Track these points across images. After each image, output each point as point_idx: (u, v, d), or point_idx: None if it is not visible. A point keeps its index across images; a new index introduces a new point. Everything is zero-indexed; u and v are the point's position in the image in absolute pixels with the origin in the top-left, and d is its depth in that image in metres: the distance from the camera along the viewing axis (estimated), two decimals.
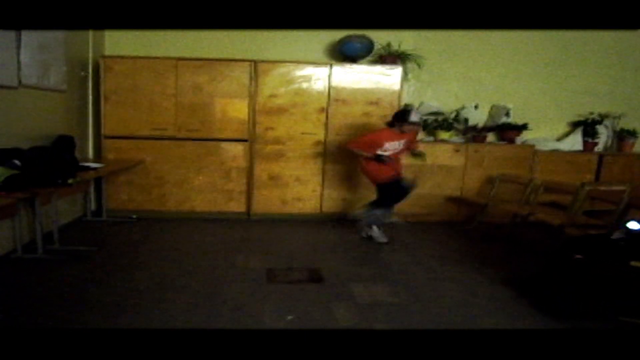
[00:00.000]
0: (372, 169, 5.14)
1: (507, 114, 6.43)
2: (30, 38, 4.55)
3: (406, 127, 4.98)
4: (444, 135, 6.30)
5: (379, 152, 4.99)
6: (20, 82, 4.42)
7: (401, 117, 4.99)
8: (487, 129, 6.42)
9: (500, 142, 6.43)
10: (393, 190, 5.15)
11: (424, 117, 6.26)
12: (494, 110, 6.55)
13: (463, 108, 6.46)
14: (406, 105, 5.82)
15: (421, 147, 5.38)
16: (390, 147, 5.03)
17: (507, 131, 6.36)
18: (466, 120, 6.41)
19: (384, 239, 5.23)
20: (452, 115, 6.41)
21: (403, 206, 6.08)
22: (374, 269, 4.47)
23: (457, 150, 6.19)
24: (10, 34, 4.28)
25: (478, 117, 6.49)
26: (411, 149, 5.22)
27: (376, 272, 4.37)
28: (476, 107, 6.50)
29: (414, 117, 4.98)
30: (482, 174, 6.25)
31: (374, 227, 5.28)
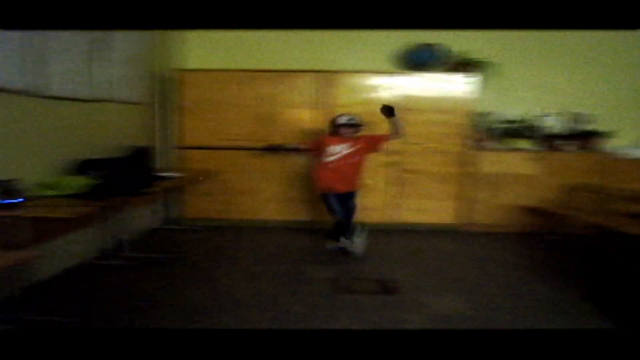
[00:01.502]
0: (313, 175, 5.16)
1: (588, 121, 6.17)
2: (118, 53, 4.75)
3: (342, 131, 4.91)
4: (520, 143, 6.11)
5: (327, 158, 4.91)
6: (103, 95, 4.61)
7: (332, 121, 5.01)
8: (566, 136, 6.17)
9: (580, 150, 6.18)
10: (327, 203, 4.99)
11: (501, 125, 6.11)
12: (574, 117, 6.29)
13: (540, 115, 6.24)
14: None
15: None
16: (334, 150, 4.89)
17: (588, 139, 6.09)
18: (544, 128, 6.19)
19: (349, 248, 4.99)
20: (529, 123, 6.20)
21: (476, 215, 5.98)
22: (446, 279, 4.33)
23: (534, 159, 5.99)
24: (101, 51, 4.48)
25: (556, 125, 6.26)
26: (376, 148, 5.06)
27: (449, 283, 4.24)
28: (555, 114, 6.27)
29: (339, 120, 4.94)
30: (560, 183, 5.99)
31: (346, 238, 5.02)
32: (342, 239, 4.99)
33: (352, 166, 4.93)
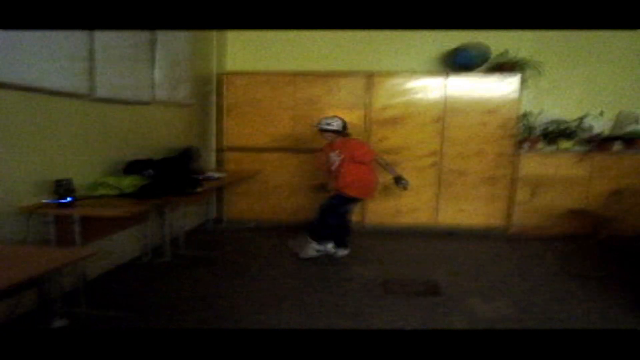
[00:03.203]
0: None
1: (637, 121, 6.02)
2: (163, 56, 4.87)
3: (326, 135, 4.81)
4: (566, 144, 5.99)
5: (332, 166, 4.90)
6: (154, 97, 4.73)
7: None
8: (613, 137, 6.03)
9: (628, 152, 6.02)
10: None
11: (545, 126, 6.03)
12: (621, 117, 6.15)
13: (586, 115, 6.11)
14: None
15: (399, 170, 5.04)
16: (332, 159, 4.87)
17: (636, 140, 5.95)
18: (590, 128, 6.06)
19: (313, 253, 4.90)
20: (575, 123, 6.08)
21: (521, 217, 5.91)
22: (491, 282, 4.28)
23: (580, 160, 5.88)
24: (146, 54, 4.60)
25: (603, 125, 6.13)
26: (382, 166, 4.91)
27: (494, 285, 4.19)
28: (601, 114, 6.14)
29: (320, 125, 4.81)
30: (608, 186, 5.87)
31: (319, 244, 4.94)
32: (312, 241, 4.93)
33: (345, 173, 4.80)
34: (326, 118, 4.84)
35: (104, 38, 3.90)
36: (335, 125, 4.77)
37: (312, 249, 4.88)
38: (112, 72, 4.03)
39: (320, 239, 4.88)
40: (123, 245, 4.47)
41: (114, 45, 4.04)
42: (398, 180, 4.86)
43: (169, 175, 4.26)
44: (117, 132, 4.28)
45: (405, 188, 4.92)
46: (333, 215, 4.82)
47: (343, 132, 4.81)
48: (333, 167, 4.89)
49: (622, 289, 4.11)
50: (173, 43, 5.14)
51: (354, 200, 4.94)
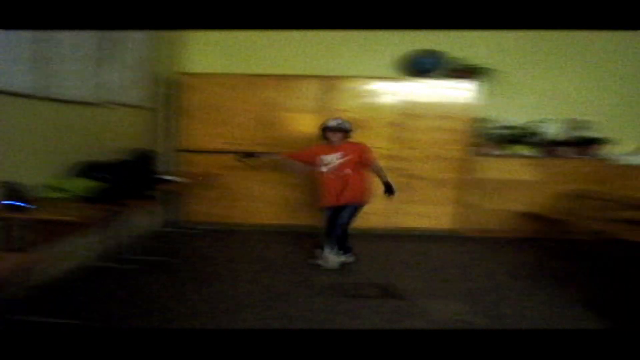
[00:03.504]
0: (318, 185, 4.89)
1: (587, 128, 6.21)
2: (120, 57, 4.79)
3: (329, 135, 4.66)
4: (519, 149, 6.15)
5: (322, 168, 4.72)
6: (107, 99, 4.65)
7: (321, 127, 4.75)
8: (565, 143, 6.22)
9: (580, 157, 6.21)
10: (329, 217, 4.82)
11: (501, 131, 6.17)
12: (573, 124, 6.34)
13: (540, 121, 6.28)
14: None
15: (389, 177, 4.81)
16: (327, 160, 4.70)
17: (587, 145, 6.13)
18: (543, 133, 6.23)
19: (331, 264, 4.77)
20: (529, 129, 6.24)
21: (475, 220, 6.03)
22: (447, 285, 4.36)
23: (534, 165, 6.03)
24: (103, 54, 4.52)
25: (556, 131, 6.31)
26: (369, 168, 4.74)
27: (451, 288, 4.26)
28: (554, 120, 6.31)
29: (329, 123, 4.69)
30: (560, 190, 6.03)
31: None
32: (317, 250, 4.90)
33: (344, 178, 4.67)
34: (337, 118, 4.76)
35: (64, 37, 3.82)
36: (349, 126, 4.72)
37: (335, 260, 4.78)
38: (66, 72, 3.95)
39: (344, 249, 4.84)
40: (79, 250, 4.36)
41: (70, 45, 3.97)
42: (389, 187, 4.73)
43: (126, 178, 4.18)
44: (71, 134, 4.19)
45: (392, 195, 4.77)
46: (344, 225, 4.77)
47: (349, 134, 4.74)
48: (324, 169, 4.71)
49: (575, 289, 4.26)
50: (131, 44, 5.07)
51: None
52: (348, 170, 4.65)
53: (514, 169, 6.02)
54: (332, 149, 4.69)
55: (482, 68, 6.04)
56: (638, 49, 6.35)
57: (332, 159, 4.68)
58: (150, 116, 5.69)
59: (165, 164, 6.09)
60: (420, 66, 5.98)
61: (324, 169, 4.71)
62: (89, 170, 4.08)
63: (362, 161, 4.68)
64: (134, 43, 5.13)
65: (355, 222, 5.56)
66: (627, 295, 3.66)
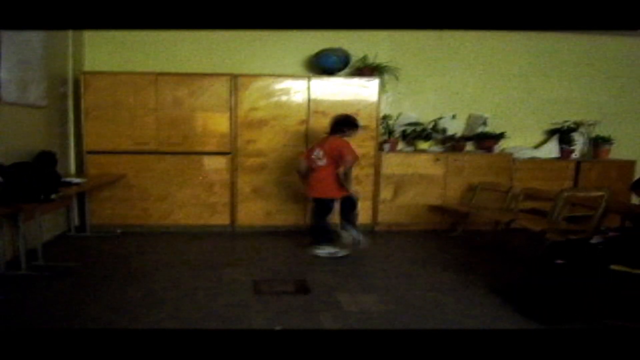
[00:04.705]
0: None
1: (485, 123, 6.54)
2: (9, 54, 4.58)
3: (353, 133, 5.13)
4: (423, 145, 6.39)
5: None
6: (1, 98, 4.44)
7: (350, 123, 5.10)
8: (465, 138, 6.53)
9: (479, 151, 6.53)
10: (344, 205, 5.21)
11: (404, 128, 6.39)
12: (471, 120, 6.66)
13: (441, 118, 6.56)
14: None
15: (355, 185, 5.45)
16: (314, 156, 5.07)
17: (485, 140, 6.47)
18: (444, 130, 6.51)
19: (341, 252, 5.13)
20: (431, 125, 6.50)
21: (385, 214, 6.20)
22: (359, 278, 4.49)
23: (436, 160, 6.28)
24: None
25: (456, 127, 6.60)
26: (341, 169, 5.00)
27: (362, 281, 4.39)
28: (454, 116, 6.61)
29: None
30: (462, 183, 6.33)
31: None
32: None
33: (322, 171, 5.02)
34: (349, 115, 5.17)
35: None
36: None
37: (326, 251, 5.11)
38: None
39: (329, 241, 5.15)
40: None
41: None
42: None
43: (22, 181, 4.00)
44: None
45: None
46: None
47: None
48: (314, 165, 5.04)
49: (478, 275, 4.53)
50: (22, 41, 4.86)
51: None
52: (332, 169, 5.02)
53: (417, 164, 6.26)
54: (320, 145, 5.09)
55: (383, 67, 6.24)
56: (530, 47, 6.75)
57: (316, 154, 5.05)
58: (49, 116, 5.46)
59: (67, 166, 5.89)
60: (325, 64, 6.08)
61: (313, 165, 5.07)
62: None
63: (340, 161, 5.02)
64: (27, 40, 4.92)
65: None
66: (526, 279, 3.90)
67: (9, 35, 4.52)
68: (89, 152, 5.86)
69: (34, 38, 5.03)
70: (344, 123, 5.05)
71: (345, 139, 5.04)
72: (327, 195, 5.06)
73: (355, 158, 5.09)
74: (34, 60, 5.04)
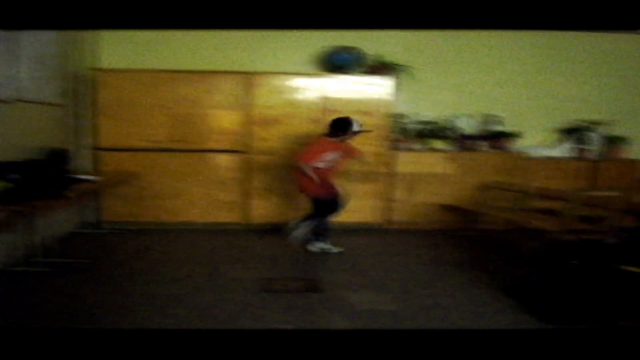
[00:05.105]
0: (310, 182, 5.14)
1: (499, 122, 6.50)
2: (27, 52, 4.62)
3: (348, 136, 5.12)
4: (436, 143, 6.36)
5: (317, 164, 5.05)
6: (17, 96, 4.48)
7: (344, 126, 5.08)
8: (479, 137, 6.49)
9: (493, 150, 6.49)
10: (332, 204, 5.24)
11: (417, 126, 6.36)
12: (486, 119, 6.62)
13: (455, 117, 6.53)
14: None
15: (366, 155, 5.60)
16: (329, 158, 5.08)
17: (499, 139, 6.43)
18: (458, 128, 6.48)
19: (335, 249, 5.22)
20: (445, 124, 6.47)
21: (398, 213, 6.19)
22: (370, 277, 4.46)
23: (450, 159, 6.26)
24: (9, 49, 4.35)
25: (470, 126, 6.56)
26: (355, 158, 5.41)
27: (373, 280, 4.37)
28: (468, 115, 6.57)
29: (356, 127, 5.10)
30: (475, 182, 6.29)
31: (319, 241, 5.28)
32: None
33: (335, 169, 5.23)
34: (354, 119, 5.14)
35: None
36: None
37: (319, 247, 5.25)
38: None
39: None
40: None
41: None
42: None
43: (37, 178, 4.03)
44: None
45: None
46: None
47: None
48: (328, 167, 5.10)
49: (490, 275, 4.51)
50: (40, 39, 4.90)
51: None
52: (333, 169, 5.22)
53: (430, 163, 6.23)
54: (337, 146, 5.15)
55: (397, 64, 6.21)
56: (545, 45, 6.69)
57: (334, 157, 5.14)
58: (64, 113, 5.50)
59: (81, 163, 5.93)
60: (339, 62, 6.07)
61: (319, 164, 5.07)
62: None
63: (351, 156, 5.41)
64: (44, 37, 4.96)
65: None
66: (538, 281, 3.87)
67: (26, 33, 4.55)
68: (104, 149, 5.90)
69: (49, 35, 5.07)
70: (341, 126, 5.09)
71: (332, 139, 5.12)
72: (318, 194, 5.14)
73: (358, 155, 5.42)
74: (49, 58, 5.08)
